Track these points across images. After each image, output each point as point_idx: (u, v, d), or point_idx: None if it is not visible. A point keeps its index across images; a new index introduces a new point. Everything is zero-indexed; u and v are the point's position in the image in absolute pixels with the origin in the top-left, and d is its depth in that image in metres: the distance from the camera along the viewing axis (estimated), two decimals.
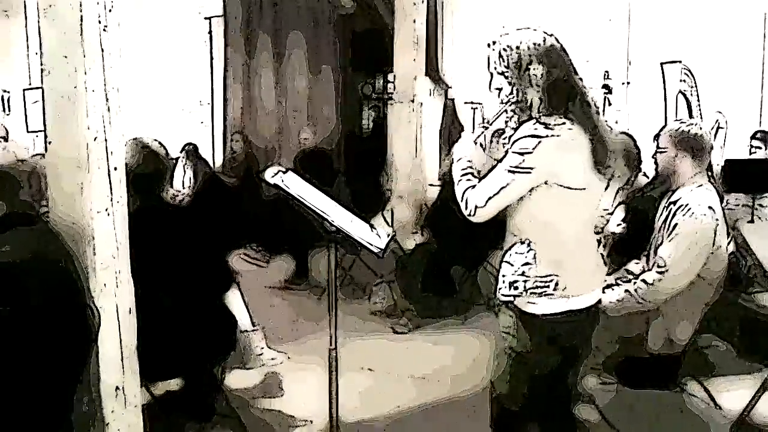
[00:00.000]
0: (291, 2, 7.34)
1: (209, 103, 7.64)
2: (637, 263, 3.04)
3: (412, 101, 4.95)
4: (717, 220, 2.75)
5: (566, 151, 1.94)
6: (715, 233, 2.73)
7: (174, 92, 7.35)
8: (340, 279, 5.03)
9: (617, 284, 2.88)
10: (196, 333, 2.69)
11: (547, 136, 1.93)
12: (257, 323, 3.35)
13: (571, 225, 2.01)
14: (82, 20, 2.14)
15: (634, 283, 2.78)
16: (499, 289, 2.07)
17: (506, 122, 2.08)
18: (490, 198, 1.98)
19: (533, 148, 1.92)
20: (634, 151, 3.89)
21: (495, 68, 2.05)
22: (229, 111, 7.55)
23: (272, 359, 3.51)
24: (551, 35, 2.04)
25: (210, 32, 7.52)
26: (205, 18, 7.49)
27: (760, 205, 4.79)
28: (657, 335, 2.81)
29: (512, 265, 2.03)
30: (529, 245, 2.00)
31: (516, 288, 2.02)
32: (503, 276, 2.05)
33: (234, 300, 3.09)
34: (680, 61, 5.45)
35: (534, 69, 1.98)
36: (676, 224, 2.73)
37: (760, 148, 5.07)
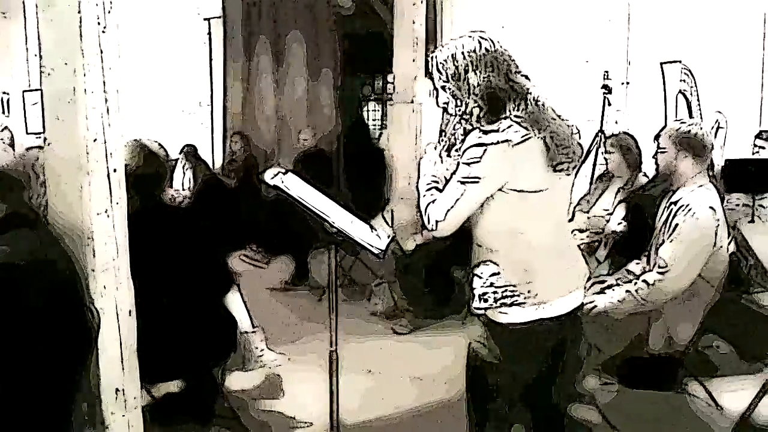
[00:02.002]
0: (290, 3, 7.34)
1: (209, 104, 7.65)
2: (637, 263, 3.03)
3: (412, 102, 4.94)
4: (718, 220, 2.74)
5: (516, 154, 1.89)
6: (716, 233, 2.73)
7: (173, 93, 7.36)
8: (340, 280, 5.02)
9: (618, 285, 2.87)
10: (196, 334, 2.68)
11: (492, 142, 1.89)
12: (257, 324, 3.34)
13: (537, 229, 1.98)
14: (81, 22, 2.13)
15: (635, 283, 2.77)
16: (471, 302, 2.04)
17: (454, 134, 2.06)
18: (447, 211, 1.96)
19: (480, 157, 1.90)
20: (635, 152, 3.90)
21: (437, 83, 2.04)
22: (228, 112, 7.55)
23: (272, 360, 3.49)
24: (487, 39, 2.00)
25: (209, 33, 7.53)
26: (205, 19, 7.49)
27: (761, 205, 4.79)
28: (658, 336, 2.81)
29: (480, 277, 2.00)
30: (493, 255, 1.98)
31: (486, 300, 1.98)
32: (473, 289, 2.02)
33: (234, 301, 3.08)
34: (680, 61, 5.45)
35: (471, 77, 1.96)
36: (676, 224, 2.73)
37: (763, 147, 5.07)
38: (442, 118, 2.12)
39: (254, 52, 7.44)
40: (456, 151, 2.05)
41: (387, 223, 5.23)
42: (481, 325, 2.08)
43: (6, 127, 7.08)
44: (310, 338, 3.92)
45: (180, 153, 6.54)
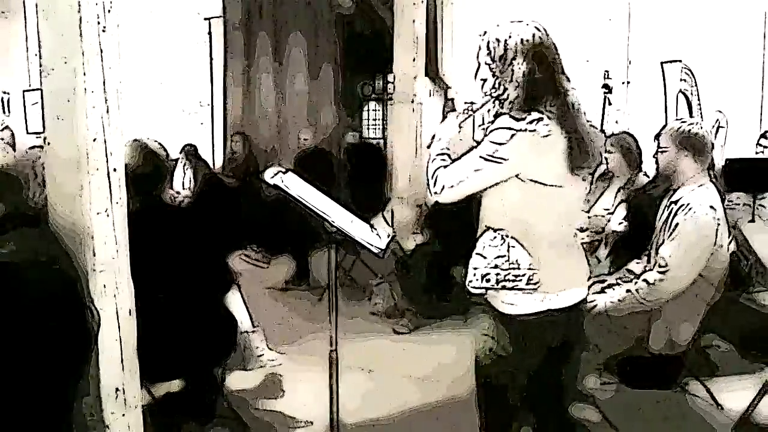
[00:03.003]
0: (290, 3, 7.34)
1: (209, 104, 7.65)
2: (638, 263, 3.03)
3: (412, 101, 4.94)
4: (718, 219, 2.74)
5: (540, 146, 1.93)
6: (716, 233, 2.73)
7: (174, 93, 7.35)
8: (341, 280, 5.02)
9: (618, 284, 2.87)
10: (196, 334, 2.68)
11: (522, 130, 1.93)
12: (257, 324, 3.34)
13: (547, 222, 2.00)
14: (81, 21, 2.13)
15: (635, 282, 2.77)
16: (469, 281, 2.05)
17: (486, 112, 2.09)
18: (460, 181, 2.00)
19: (507, 141, 1.93)
20: (635, 151, 3.89)
21: (482, 58, 2.06)
22: (228, 112, 7.56)
23: (272, 360, 3.50)
24: (543, 31, 2.03)
25: (209, 33, 7.53)
26: (205, 19, 7.50)
27: (761, 205, 4.79)
28: (658, 335, 2.81)
29: (485, 257, 2.02)
30: (503, 238, 2.00)
31: (488, 281, 2.00)
32: (475, 268, 2.04)
33: (234, 301, 3.08)
34: (680, 61, 5.45)
35: (517, 65, 1.99)
36: (677, 224, 2.73)
37: (767, 147, 5.08)
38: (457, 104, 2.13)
39: (254, 51, 7.45)
40: (483, 129, 2.07)
41: (387, 223, 5.23)
42: (489, 318, 2.08)
43: (6, 126, 7.08)
44: (310, 338, 3.92)
45: (180, 153, 6.54)
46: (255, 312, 3.23)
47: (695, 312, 2.78)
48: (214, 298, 2.92)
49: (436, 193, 2.04)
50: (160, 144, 2.89)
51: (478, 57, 2.08)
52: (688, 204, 2.73)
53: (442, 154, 2.09)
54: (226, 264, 3.21)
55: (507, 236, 1.99)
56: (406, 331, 4.35)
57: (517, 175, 1.96)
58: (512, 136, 1.92)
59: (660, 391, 2.97)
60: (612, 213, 3.77)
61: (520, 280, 1.98)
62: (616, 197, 3.86)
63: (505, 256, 1.99)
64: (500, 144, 1.93)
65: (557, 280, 2.01)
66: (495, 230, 2.02)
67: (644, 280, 2.74)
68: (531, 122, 1.93)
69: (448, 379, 3.50)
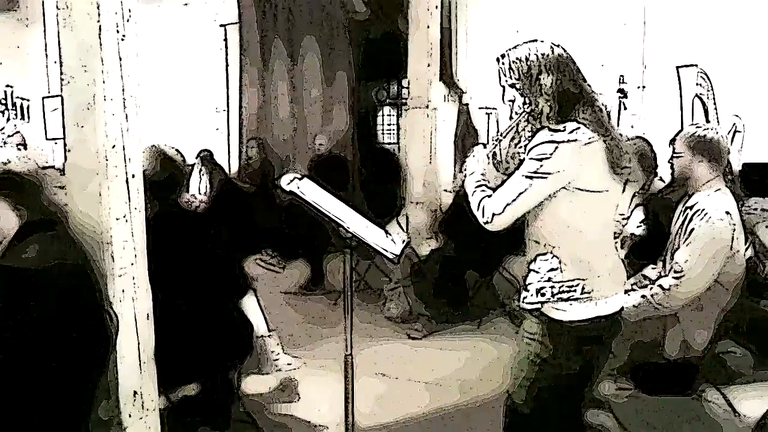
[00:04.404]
0: (305, 9, 7.38)
1: (225, 110, 7.70)
2: (653, 268, 3.02)
3: (427, 107, 4.95)
4: (734, 224, 2.73)
5: (584, 154, 1.96)
6: (732, 238, 2.71)
7: (190, 99, 7.42)
8: (355, 284, 5.04)
9: (633, 289, 2.86)
10: (212, 338, 2.70)
11: (564, 141, 1.95)
12: (273, 328, 3.37)
13: (594, 228, 2.03)
14: (100, 29, 2.17)
15: (651, 288, 2.76)
16: (523, 297, 2.07)
17: (520, 132, 2.10)
18: (507, 205, 2.00)
19: (551, 153, 1.95)
20: (650, 156, 3.87)
21: (506, 81, 2.09)
22: (244, 117, 7.60)
23: (288, 364, 3.52)
24: (558, 46, 2.07)
25: (225, 39, 7.59)
26: (221, 25, 7.56)
27: None
28: (674, 341, 2.80)
29: (538, 272, 2.04)
30: (553, 251, 2.02)
31: (543, 294, 2.02)
32: (528, 284, 2.06)
33: (250, 305, 3.10)
34: (696, 65, 5.42)
35: (544, 78, 2.01)
36: (692, 229, 2.72)
37: None
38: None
39: (270, 57, 7.49)
40: (519, 147, 2.10)
41: (402, 228, 5.24)
42: (537, 322, 2.10)
43: (18, 132, 7.17)
44: (325, 342, 3.94)
45: (196, 158, 6.60)
46: (271, 316, 3.26)
47: (711, 318, 2.77)
48: (230, 302, 2.94)
49: (486, 222, 2.04)
50: (176, 150, 2.92)
51: (500, 81, 2.11)
52: (703, 209, 2.72)
53: (481, 185, 2.11)
54: (242, 268, 3.24)
55: (557, 248, 2.01)
56: (420, 336, 4.35)
57: (564, 186, 1.98)
58: (555, 148, 1.95)
59: (676, 397, 2.96)
60: (627, 218, 3.76)
61: (575, 290, 2.00)
62: (631, 202, 3.85)
63: (557, 268, 2.01)
64: (545, 159, 1.95)
65: (606, 286, 2.03)
66: (545, 244, 2.04)
67: (659, 286, 2.73)
68: (571, 132, 1.96)
69: (462, 384, 3.51)
